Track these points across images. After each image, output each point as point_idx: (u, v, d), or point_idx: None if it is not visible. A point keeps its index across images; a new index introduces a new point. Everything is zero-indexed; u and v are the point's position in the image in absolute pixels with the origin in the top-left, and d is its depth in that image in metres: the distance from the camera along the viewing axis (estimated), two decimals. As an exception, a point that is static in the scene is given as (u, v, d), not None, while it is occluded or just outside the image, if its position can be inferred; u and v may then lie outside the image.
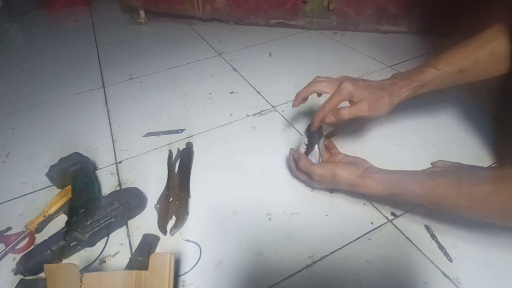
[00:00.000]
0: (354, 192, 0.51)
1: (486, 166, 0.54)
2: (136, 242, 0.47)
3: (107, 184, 0.59)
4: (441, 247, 0.43)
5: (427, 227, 0.46)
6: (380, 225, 0.47)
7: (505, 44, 0.47)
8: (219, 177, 0.57)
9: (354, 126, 0.65)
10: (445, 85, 0.50)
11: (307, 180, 0.52)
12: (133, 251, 0.47)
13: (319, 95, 0.55)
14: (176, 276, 0.43)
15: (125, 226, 0.51)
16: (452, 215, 0.41)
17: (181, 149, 0.64)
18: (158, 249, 0.47)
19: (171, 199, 0.53)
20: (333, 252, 0.44)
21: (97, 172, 0.61)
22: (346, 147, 0.58)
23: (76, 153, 0.59)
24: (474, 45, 0.48)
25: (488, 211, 0.36)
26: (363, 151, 0.48)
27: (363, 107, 0.47)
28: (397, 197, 0.43)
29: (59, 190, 0.56)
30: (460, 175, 0.39)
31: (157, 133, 0.70)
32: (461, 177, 0.38)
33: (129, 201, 0.50)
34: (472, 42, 0.48)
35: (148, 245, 0.45)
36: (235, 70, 0.91)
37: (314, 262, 0.43)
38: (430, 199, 0.40)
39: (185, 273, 0.43)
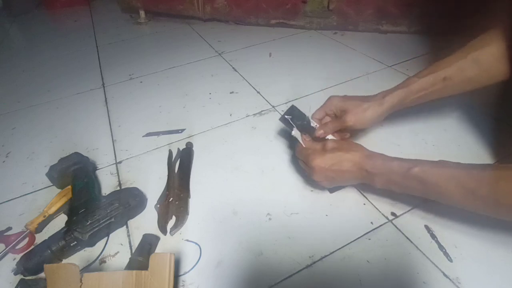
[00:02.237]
0: (354, 192, 0.52)
1: (486, 166, 0.54)
2: (136, 242, 0.47)
3: (107, 184, 0.59)
4: (441, 247, 0.43)
5: (427, 227, 0.46)
6: (380, 225, 0.47)
7: (491, 53, 0.48)
8: (219, 177, 0.57)
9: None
10: (436, 94, 0.51)
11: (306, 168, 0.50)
12: (133, 251, 0.47)
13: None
14: (176, 276, 0.43)
15: (125, 226, 0.51)
16: (451, 214, 0.40)
17: (181, 149, 0.64)
18: (158, 249, 0.47)
19: (171, 199, 0.53)
20: (333, 252, 0.44)
21: (97, 172, 0.61)
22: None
23: (76, 153, 0.59)
24: (458, 54, 0.50)
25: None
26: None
27: (346, 118, 0.51)
28: (399, 172, 0.41)
29: (59, 190, 0.56)
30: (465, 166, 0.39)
31: (157, 133, 0.70)
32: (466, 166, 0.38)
33: (129, 201, 0.50)
34: (457, 52, 0.50)
35: (148, 245, 0.45)
36: (235, 70, 0.91)
37: (314, 262, 0.43)
38: (434, 182, 0.39)
39: (185, 273, 0.43)
